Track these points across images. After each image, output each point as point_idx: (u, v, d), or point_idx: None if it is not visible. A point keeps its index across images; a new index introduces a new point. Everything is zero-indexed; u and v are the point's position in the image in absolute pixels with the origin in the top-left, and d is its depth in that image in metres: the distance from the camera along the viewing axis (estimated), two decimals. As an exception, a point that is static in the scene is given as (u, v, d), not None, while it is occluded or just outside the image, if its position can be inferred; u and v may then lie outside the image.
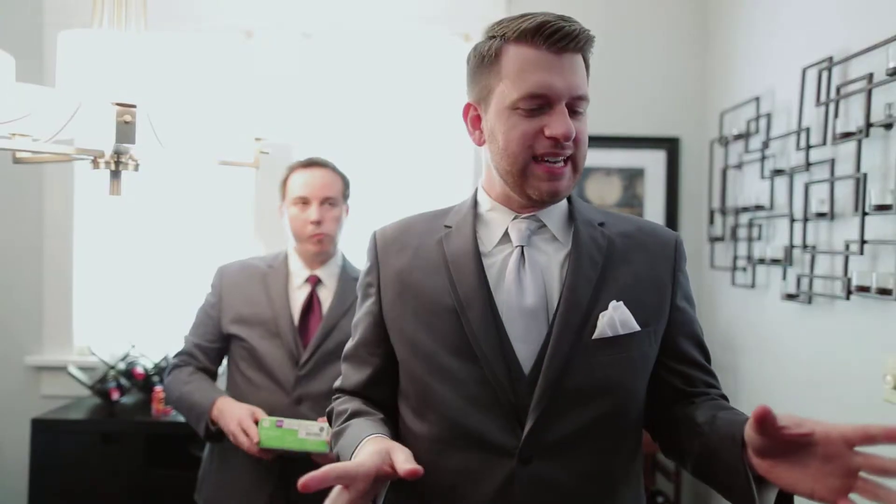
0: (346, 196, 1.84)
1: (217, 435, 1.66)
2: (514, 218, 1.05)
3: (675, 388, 1.07)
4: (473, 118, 1.06)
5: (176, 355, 1.82)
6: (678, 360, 1.08)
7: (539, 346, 1.00)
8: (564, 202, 1.09)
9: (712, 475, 0.96)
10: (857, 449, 0.76)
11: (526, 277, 1.01)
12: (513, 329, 1.00)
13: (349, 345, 1.16)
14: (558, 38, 0.95)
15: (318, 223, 1.74)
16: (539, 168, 0.98)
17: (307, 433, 1.55)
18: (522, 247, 1.03)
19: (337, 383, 1.18)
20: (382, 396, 1.12)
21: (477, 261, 1.02)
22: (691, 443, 1.00)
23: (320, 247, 1.77)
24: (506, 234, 1.05)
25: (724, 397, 1.10)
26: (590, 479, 1.00)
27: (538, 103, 0.96)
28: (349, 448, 0.98)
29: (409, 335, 1.04)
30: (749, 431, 0.83)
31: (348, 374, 1.15)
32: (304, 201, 1.75)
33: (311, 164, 1.79)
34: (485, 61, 1.00)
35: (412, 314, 1.04)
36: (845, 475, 0.76)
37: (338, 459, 1.01)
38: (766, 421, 0.78)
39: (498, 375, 0.98)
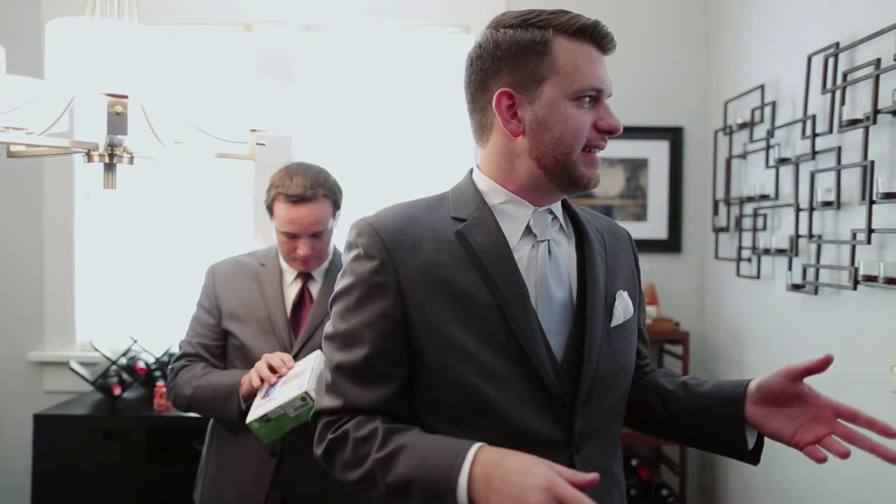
0: (337, 209, 1.75)
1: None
2: (534, 211, 1.05)
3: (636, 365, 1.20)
4: (508, 107, 1.01)
5: (179, 358, 1.76)
6: (637, 339, 1.19)
7: (566, 336, 1.02)
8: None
9: (699, 433, 1.10)
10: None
11: (554, 271, 1.03)
12: (548, 322, 1.01)
13: (352, 358, 1.00)
14: (608, 39, 1.02)
15: (306, 256, 1.71)
16: (587, 157, 1.02)
17: (294, 410, 1.48)
18: (548, 241, 1.04)
19: (335, 403, 1.00)
20: (401, 411, 1.01)
21: (511, 256, 1.01)
22: (667, 407, 1.12)
23: (306, 268, 1.75)
24: (527, 227, 1.04)
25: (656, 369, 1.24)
26: (614, 456, 1.09)
27: (594, 96, 1.01)
28: (448, 467, 0.88)
29: (450, 338, 0.97)
30: (773, 380, 1.00)
31: (357, 393, 0.99)
32: (292, 236, 1.69)
33: (298, 199, 1.65)
34: (532, 48, 0.98)
35: (449, 315, 0.98)
36: (825, 431, 0.98)
37: (406, 486, 0.91)
38: (812, 370, 0.96)
39: (546, 369, 0.99)
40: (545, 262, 1.02)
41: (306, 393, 1.45)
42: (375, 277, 0.99)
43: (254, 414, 1.50)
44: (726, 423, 1.05)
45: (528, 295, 1.00)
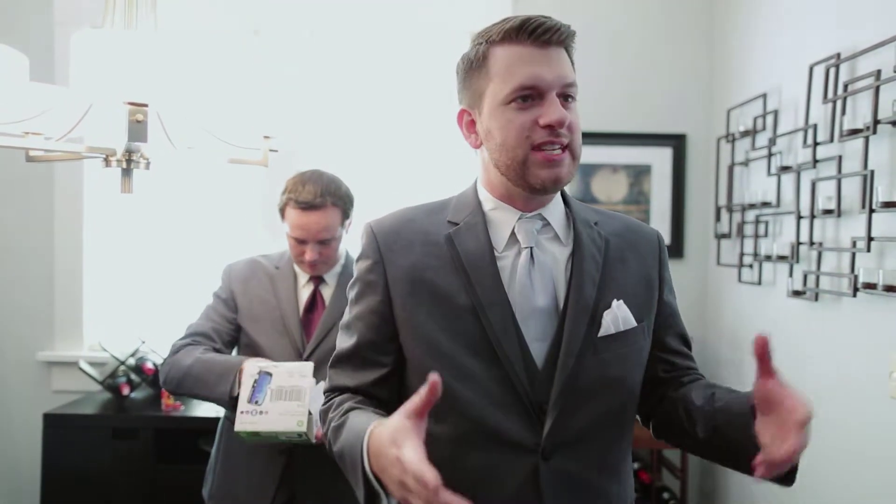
0: (346, 218, 1.78)
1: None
2: (520, 218, 1.07)
3: (660, 375, 1.15)
4: (468, 123, 1.10)
5: (184, 338, 1.74)
6: (664, 350, 1.15)
7: (550, 344, 1.03)
8: (562, 203, 1.12)
9: (723, 454, 1.04)
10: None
11: (536, 278, 1.04)
12: (528, 329, 1.03)
13: (346, 345, 1.10)
14: (541, 32, 1.00)
15: (313, 261, 1.74)
16: (538, 156, 1.01)
17: (287, 437, 1.52)
18: (531, 248, 1.05)
19: (331, 384, 1.12)
20: (385, 396, 1.10)
21: (493, 261, 1.04)
22: (694, 424, 1.06)
23: (314, 272, 1.78)
24: (512, 234, 1.07)
25: (703, 378, 1.18)
26: (600, 469, 1.06)
27: (529, 94, 1.00)
28: (359, 441, 0.94)
29: (426, 335, 1.03)
30: (756, 385, 0.90)
31: (347, 377, 1.09)
32: (301, 241, 1.73)
33: (307, 207, 1.69)
34: (473, 66, 1.06)
35: (427, 314, 1.04)
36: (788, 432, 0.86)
37: (341, 456, 1.00)
38: (763, 351, 0.87)
39: (518, 374, 1.01)
40: (526, 270, 1.04)
41: (305, 433, 1.51)
42: (368, 275, 1.08)
43: (245, 426, 1.51)
44: (744, 444, 0.94)
45: (507, 300, 1.02)
